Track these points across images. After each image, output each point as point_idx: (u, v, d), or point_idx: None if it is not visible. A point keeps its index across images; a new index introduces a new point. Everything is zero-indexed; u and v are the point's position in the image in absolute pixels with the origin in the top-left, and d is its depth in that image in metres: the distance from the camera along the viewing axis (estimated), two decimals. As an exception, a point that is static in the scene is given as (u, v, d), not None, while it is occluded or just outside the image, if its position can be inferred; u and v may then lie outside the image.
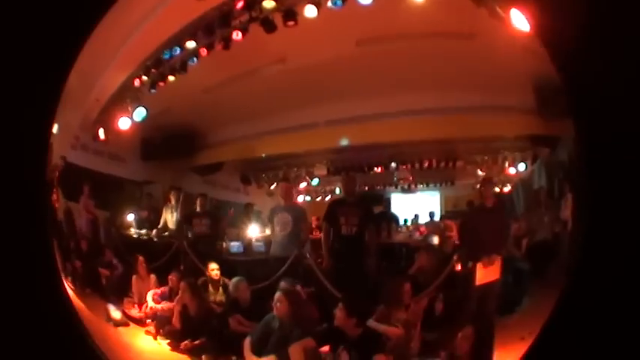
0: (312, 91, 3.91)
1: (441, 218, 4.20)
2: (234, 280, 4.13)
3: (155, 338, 4.26)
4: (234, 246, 4.23)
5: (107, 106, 4.29)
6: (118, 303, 4.28)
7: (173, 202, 4.26)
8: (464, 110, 3.92)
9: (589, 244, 4.11)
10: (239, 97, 4.03)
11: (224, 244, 4.23)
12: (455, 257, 4.04)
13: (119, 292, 4.31)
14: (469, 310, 4.02)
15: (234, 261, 4.23)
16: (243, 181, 4.21)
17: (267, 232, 4.20)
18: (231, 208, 4.24)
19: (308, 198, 4.24)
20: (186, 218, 4.29)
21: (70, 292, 4.10)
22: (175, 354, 4.17)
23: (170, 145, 4.09)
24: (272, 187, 4.16)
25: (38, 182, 4.07)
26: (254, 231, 4.23)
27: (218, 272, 4.19)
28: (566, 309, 4.15)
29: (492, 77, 3.98)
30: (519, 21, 3.92)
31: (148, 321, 4.30)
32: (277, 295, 3.97)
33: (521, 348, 4.02)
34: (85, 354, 3.89)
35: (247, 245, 4.23)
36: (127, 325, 4.28)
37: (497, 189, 4.17)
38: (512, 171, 4.15)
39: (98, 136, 4.28)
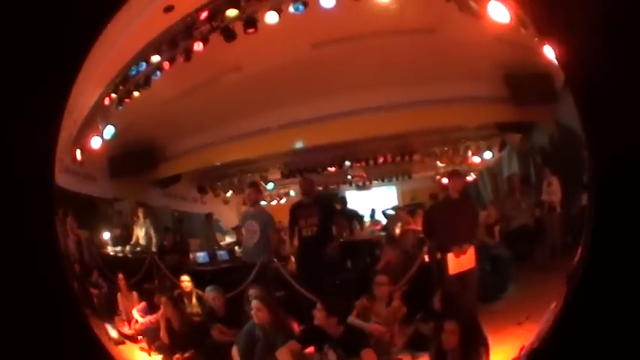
0: (266, 96, 4.14)
1: (400, 212, 4.42)
2: (208, 289, 4.40)
3: (149, 354, 4.51)
4: (200, 256, 4.48)
5: (82, 127, 4.58)
6: (112, 322, 4.57)
7: (140, 217, 4.45)
8: (419, 104, 4.13)
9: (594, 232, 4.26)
10: (196, 108, 4.27)
11: (191, 256, 4.43)
12: (424, 249, 4.24)
13: (110, 311, 4.58)
14: (450, 302, 4.17)
15: (203, 271, 4.47)
16: (199, 191, 4.39)
17: (228, 239, 4.48)
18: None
19: (264, 203, 4.44)
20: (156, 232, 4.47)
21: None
22: (169, 368, 4.22)
23: (133, 160, 4.31)
24: (227, 194, 4.34)
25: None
26: (216, 240, 4.44)
27: (189, 284, 4.46)
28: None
29: (453, 69, 4.23)
30: (498, 12, 4.28)
31: (140, 337, 4.55)
32: (255, 303, 4.25)
33: (521, 332, 4.39)
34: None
35: (213, 254, 4.44)
36: (123, 343, 4.56)
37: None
38: (476, 160, 4.33)
39: (76, 158, 4.54)
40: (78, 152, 4.55)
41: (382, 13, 4.17)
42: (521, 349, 4.34)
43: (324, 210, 4.38)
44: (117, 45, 4.50)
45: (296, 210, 4.37)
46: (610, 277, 4.88)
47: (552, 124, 4.48)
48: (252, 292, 4.25)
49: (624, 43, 4.61)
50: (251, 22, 4.11)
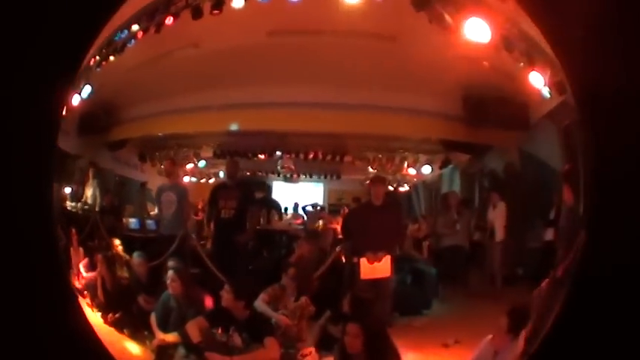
0: (215, 75, 4.27)
1: (322, 210, 4.41)
2: (134, 255, 4.59)
3: (92, 310, 4.69)
4: (132, 222, 4.68)
5: (70, 85, 4.72)
6: (69, 274, 4.73)
7: (90, 176, 4.69)
8: (362, 107, 4.20)
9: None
10: (151, 78, 4.47)
11: (124, 220, 4.63)
12: (337, 249, 4.30)
13: (67, 265, 4.73)
14: (359, 307, 4.21)
15: (134, 237, 4.67)
16: (140, 159, 4.58)
17: (157, 210, 4.58)
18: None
19: (194, 179, 4.60)
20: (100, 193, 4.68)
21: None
22: (106, 327, 4.62)
23: (95, 120, 4.53)
24: (162, 166, 4.50)
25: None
26: (146, 208, 4.63)
27: (121, 247, 4.64)
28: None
29: (407, 80, 4.27)
30: (477, 30, 4.16)
31: (85, 292, 4.73)
32: (170, 273, 4.43)
33: (449, 356, 4.26)
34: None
35: (142, 223, 4.64)
36: (77, 296, 4.71)
37: (391, 188, 4.34)
38: (412, 171, 4.36)
39: (61, 114, 4.71)
40: (65, 108, 4.69)
41: (347, 13, 4.18)
42: None
43: (244, 195, 4.51)
44: (117, 14, 4.67)
45: (217, 191, 4.53)
46: (609, 281, 4.77)
47: (514, 151, 4.37)
48: (170, 263, 4.41)
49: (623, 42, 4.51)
50: (218, 3, 4.22)
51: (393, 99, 4.23)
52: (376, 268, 4.25)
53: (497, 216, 4.41)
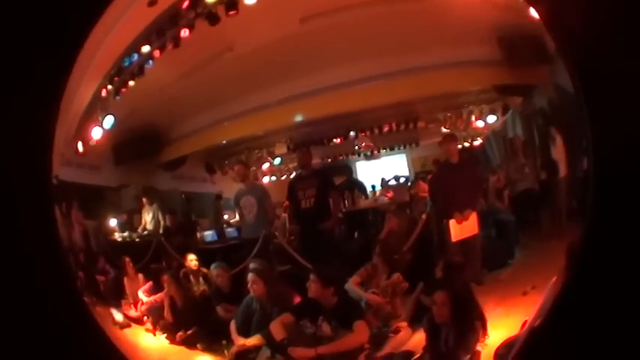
0: (262, 73, 4.22)
1: (408, 179, 4.45)
2: (212, 266, 4.54)
3: (154, 334, 4.65)
4: (208, 235, 4.59)
5: (82, 120, 4.70)
6: (118, 306, 4.71)
7: (146, 201, 4.61)
8: (419, 70, 4.16)
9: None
10: (194, 90, 4.39)
11: (198, 235, 4.56)
12: (424, 217, 4.25)
13: (116, 296, 4.73)
14: (452, 272, 4.23)
15: (210, 249, 4.60)
16: (208, 171, 4.51)
17: (237, 217, 4.54)
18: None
19: (274, 178, 4.56)
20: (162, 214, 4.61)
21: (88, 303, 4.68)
22: (174, 347, 4.57)
23: (137, 146, 4.45)
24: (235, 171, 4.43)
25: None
26: (225, 218, 4.59)
27: (196, 262, 4.59)
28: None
29: (448, 34, 4.24)
30: None
31: (145, 318, 4.71)
32: (250, 276, 4.38)
33: (525, 304, 4.33)
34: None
35: (221, 232, 4.55)
36: (129, 326, 4.70)
37: (466, 144, 4.41)
38: (480, 124, 4.36)
39: (77, 150, 4.65)
40: (79, 144, 4.66)
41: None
42: (523, 325, 4.27)
43: (322, 181, 4.49)
44: (107, 41, 4.61)
45: (294, 183, 4.50)
46: (612, 271, 4.88)
47: (550, 86, 4.50)
48: (251, 265, 4.37)
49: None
50: (232, 4, 4.21)
51: (441, 55, 4.25)
52: (465, 227, 4.26)
53: (557, 152, 4.40)
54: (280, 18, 4.26)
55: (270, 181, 4.61)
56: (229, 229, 4.61)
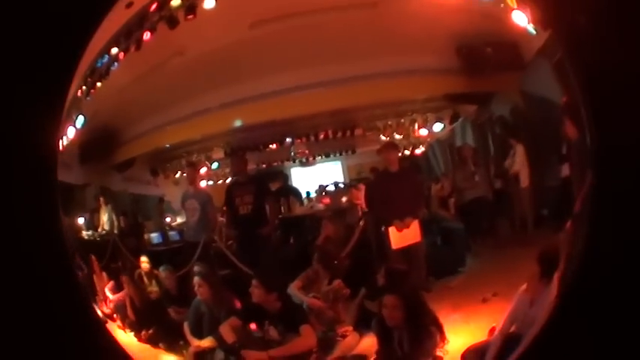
0: (207, 77, 4.30)
1: (344, 187, 4.43)
2: (160, 269, 4.63)
3: (124, 331, 4.75)
4: (154, 237, 4.70)
5: (64, 119, 4.74)
6: (95, 302, 4.76)
7: (102, 202, 4.74)
8: (362, 78, 4.19)
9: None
10: (145, 93, 4.48)
11: (146, 237, 4.65)
12: (361, 223, 4.26)
13: (92, 292, 4.78)
14: (394, 278, 4.24)
15: (158, 252, 4.70)
16: (152, 174, 4.63)
17: (179, 219, 4.65)
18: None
19: (211, 182, 4.64)
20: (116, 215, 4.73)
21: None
22: (142, 344, 4.66)
23: (96, 147, 4.58)
24: (177, 175, 4.57)
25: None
26: (167, 221, 4.65)
27: (147, 264, 4.67)
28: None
29: (400, 42, 4.25)
30: None
31: (115, 315, 4.79)
32: (196, 279, 4.46)
33: (489, 311, 4.28)
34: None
35: (165, 235, 4.66)
36: (106, 321, 4.78)
37: (406, 152, 4.35)
38: (423, 132, 4.34)
39: (59, 148, 4.70)
40: (61, 142, 4.71)
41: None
42: (492, 331, 4.23)
43: (259, 188, 4.55)
44: (92, 41, 4.69)
45: (231, 189, 4.58)
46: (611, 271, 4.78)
47: (516, 93, 4.39)
48: (196, 268, 4.46)
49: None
50: (190, 8, 4.27)
51: (389, 64, 4.24)
52: (405, 235, 4.26)
53: (518, 160, 4.36)
54: (232, 23, 4.30)
55: (208, 186, 4.70)
56: (172, 232, 4.70)
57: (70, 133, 4.67)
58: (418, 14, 4.22)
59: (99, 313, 4.74)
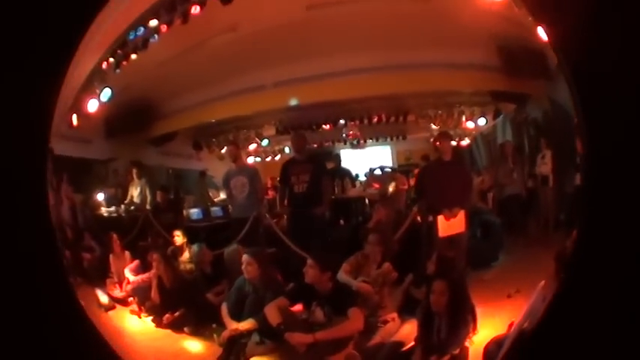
0: (261, 55, 4.24)
1: (393, 171, 4.43)
2: (195, 246, 4.53)
3: (139, 316, 4.58)
4: (194, 212, 4.58)
5: (79, 93, 4.62)
6: (103, 286, 4.62)
7: (135, 176, 4.59)
8: (415, 67, 4.26)
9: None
10: (191, 68, 4.40)
11: (185, 212, 4.52)
12: (414, 209, 4.29)
13: (101, 275, 4.64)
14: (444, 266, 4.26)
15: (196, 228, 4.60)
16: (195, 147, 4.54)
17: (222, 195, 4.56)
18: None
19: (258, 159, 4.62)
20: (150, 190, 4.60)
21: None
22: (160, 330, 4.51)
23: (129, 120, 4.43)
24: (222, 150, 4.50)
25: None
26: (209, 196, 4.56)
27: (181, 238, 4.58)
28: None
29: (449, 36, 4.34)
30: None
31: (130, 299, 4.63)
32: (245, 257, 4.35)
33: (511, 306, 4.32)
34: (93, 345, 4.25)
35: (206, 211, 4.53)
36: (114, 308, 4.60)
37: (454, 142, 4.38)
38: (470, 125, 4.43)
39: (72, 123, 4.59)
40: (74, 117, 4.59)
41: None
42: (510, 326, 4.26)
43: (316, 167, 4.53)
44: (115, 15, 4.58)
45: (288, 166, 4.53)
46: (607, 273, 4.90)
47: (546, 100, 4.55)
48: (243, 246, 4.36)
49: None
50: (246, -15, 4.08)
51: (440, 55, 4.33)
52: (452, 224, 4.32)
53: (546, 162, 4.47)
54: (289, 2, 4.34)
55: (255, 162, 4.68)
56: (214, 208, 4.60)
57: (92, 107, 4.53)
58: (465, 12, 4.33)
59: (102, 300, 4.58)
